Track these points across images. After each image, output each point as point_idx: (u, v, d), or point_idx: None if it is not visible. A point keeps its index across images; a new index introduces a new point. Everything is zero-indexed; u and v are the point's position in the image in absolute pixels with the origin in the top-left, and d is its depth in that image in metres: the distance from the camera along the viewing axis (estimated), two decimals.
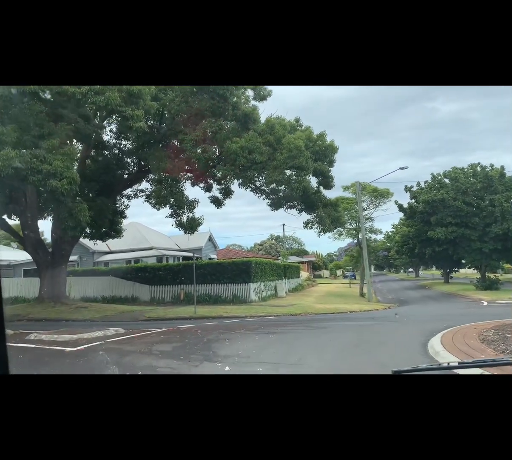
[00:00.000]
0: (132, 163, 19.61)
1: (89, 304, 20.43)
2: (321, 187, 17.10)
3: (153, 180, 15.81)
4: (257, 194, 17.66)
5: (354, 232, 31.82)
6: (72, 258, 30.46)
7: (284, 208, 17.46)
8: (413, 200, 33.49)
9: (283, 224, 63.49)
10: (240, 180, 16.76)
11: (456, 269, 50.89)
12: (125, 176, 19.71)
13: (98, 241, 27.21)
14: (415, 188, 33.30)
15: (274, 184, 15.98)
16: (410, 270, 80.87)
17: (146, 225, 36.58)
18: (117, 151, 19.52)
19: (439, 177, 32.33)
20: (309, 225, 17.94)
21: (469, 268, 36.56)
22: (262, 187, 17.28)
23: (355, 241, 47.53)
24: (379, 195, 30.33)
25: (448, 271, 48.65)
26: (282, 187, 16.03)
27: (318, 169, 15.66)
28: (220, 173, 16.63)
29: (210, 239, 37.56)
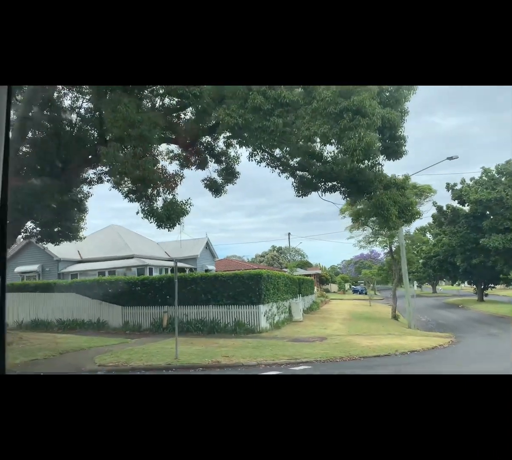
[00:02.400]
0: (91, 130, 13.33)
1: (23, 334, 13.94)
2: (383, 158, 10.75)
3: (111, 138, 9.60)
4: (277, 169, 11.38)
5: (386, 238, 25.41)
6: (32, 267, 24.03)
7: (320, 192, 11.12)
8: (456, 201, 27.19)
9: (289, 233, 57.27)
10: (251, 148, 10.52)
11: (492, 285, 44.32)
12: (84, 150, 13.37)
13: (66, 248, 20.96)
14: (459, 187, 27.05)
15: (316, 142, 9.68)
16: (426, 284, 74.35)
17: (128, 229, 30.19)
18: (73, 114, 13.31)
19: (490, 173, 26.08)
20: (363, 218, 11.61)
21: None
22: (286, 160, 11.03)
23: (366, 252, 41.04)
24: (419, 192, 24.03)
25: (482, 287, 42.11)
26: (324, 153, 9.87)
27: (386, 118, 9.21)
28: (219, 136, 10.41)
29: (208, 246, 31.08)
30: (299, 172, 11.31)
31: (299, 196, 11.33)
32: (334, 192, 11.03)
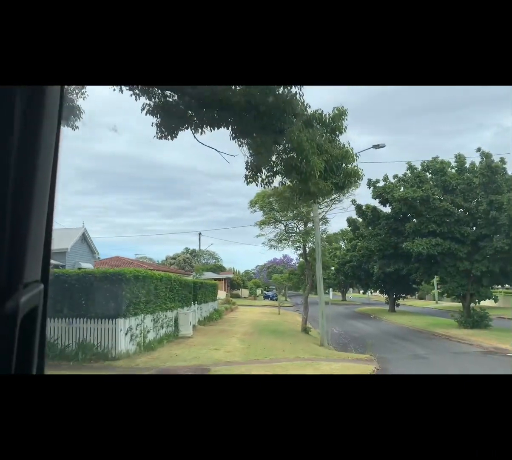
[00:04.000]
0: None
1: None
2: None
3: None
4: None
5: (300, 237, 21.49)
6: None
7: (193, 128, 6.31)
8: (377, 200, 24.20)
9: (200, 233, 51.74)
10: None
11: (404, 295, 43.05)
12: None
13: None
14: (382, 184, 24.10)
15: None
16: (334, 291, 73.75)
17: None
18: None
19: (416, 171, 23.39)
20: (267, 177, 7.03)
21: (448, 296, 27.97)
22: None
23: (279, 258, 37.77)
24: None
25: (394, 297, 40.53)
26: None
27: None
28: None
29: (85, 239, 24.92)
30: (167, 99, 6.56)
31: (162, 137, 6.65)
32: (219, 127, 6.41)
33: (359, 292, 73.27)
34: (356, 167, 8.70)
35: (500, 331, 21.61)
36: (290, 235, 21.60)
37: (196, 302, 21.46)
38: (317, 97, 25.38)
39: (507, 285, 28.18)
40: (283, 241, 22.04)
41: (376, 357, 14.78)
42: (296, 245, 22.81)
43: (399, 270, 33.52)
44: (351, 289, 71.79)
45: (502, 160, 21.71)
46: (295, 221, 21.00)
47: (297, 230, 21.34)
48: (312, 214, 19.13)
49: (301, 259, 22.69)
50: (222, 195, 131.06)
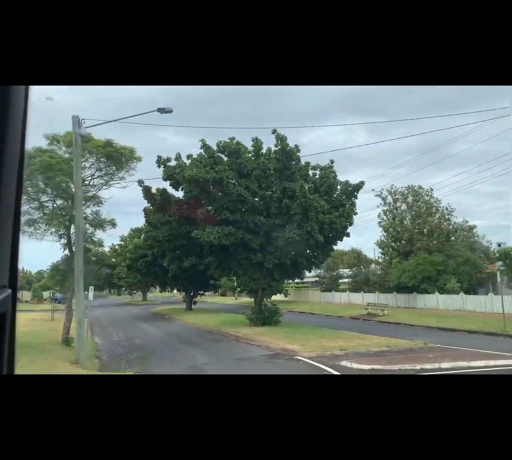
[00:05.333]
0: None
1: None
2: None
3: None
4: None
5: (62, 222, 16.29)
6: None
7: None
8: (168, 182, 20.67)
9: None
10: None
11: (202, 292, 40.82)
12: None
13: None
14: (174, 163, 20.63)
15: None
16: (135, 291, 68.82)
17: None
18: None
19: (210, 150, 20.62)
20: None
21: (241, 291, 26.04)
22: None
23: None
24: (116, 156, 16.09)
25: (192, 294, 37.93)
26: None
27: None
28: None
29: None
30: None
31: None
32: None
33: (160, 291, 69.84)
34: None
35: (289, 327, 20.46)
36: (46, 216, 16.12)
37: None
38: None
39: (300, 279, 28.17)
40: (38, 225, 16.40)
41: (141, 373, 11.00)
42: (61, 232, 17.43)
43: (196, 265, 30.85)
44: (152, 288, 67.64)
45: (297, 148, 20.65)
46: (50, 195, 15.64)
47: (54, 208, 16.03)
48: (72, 187, 14.26)
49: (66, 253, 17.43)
50: None
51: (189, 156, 21.16)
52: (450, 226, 35.45)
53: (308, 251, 21.58)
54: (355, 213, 21.31)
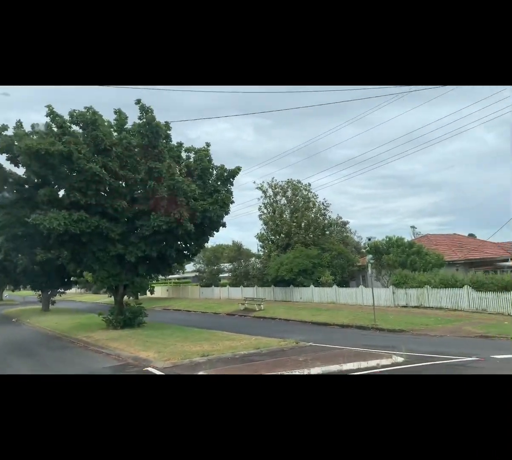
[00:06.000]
0: None
1: None
2: None
3: None
4: None
5: None
6: None
7: None
8: (5, 155, 16.62)
9: None
10: None
11: (62, 291, 35.78)
12: None
13: None
14: (11, 132, 16.60)
15: None
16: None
17: None
18: None
19: (59, 119, 16.98)
20: None
21: (99, 288, 22.51)
22: None
23: None
24: None
25: (50, 292, 32.96)
26: None
27: None
28: None
29: None
30: None
31: None
32: None
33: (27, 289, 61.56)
34: None
35: (153, 329, 17.93)
36: None
37: None
38: None
39: (171, 274, 25.61)
40: None
41: None
42: None
43: (53, 259, 26.60)
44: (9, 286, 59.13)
45: (167, 125, 18.14)
46: None
47: None
48: None
49: None
50: None
51: (33, 126, 17.28)
52: (326, 221, 36.03)
53: (179, 242, 19.26)
54: (232, 202, 19.55)
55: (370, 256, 23.63)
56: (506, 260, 28.39)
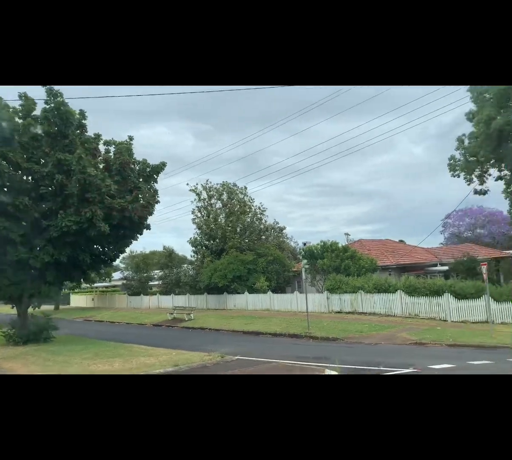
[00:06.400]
0: None
1: None
2: None
3: None
4: None
5: None
6: None
7: None
8: None
9: None
10: None
11: None
12: None
13: None
14: None
15: None
16: None
17: None
18: None
19: None
20: None
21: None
22: None
23: None
24: None
25: None
26: None
27: None
28: None
29: None
30: None
31: None
32: None
33: None
34: None
35: (61, 344, 15.64)
36: None
37: None
38: None
39: (86, 282, 23.14)
40: None
41: None
42: None
43: None
44: None
45: (82, 113, 16.16)
46: None
47: None
48: None
49: None
50: None
51: None
52: (262, 226, 35.11)
53: (95, 246, 17.18)
54: (157, 202, 17.83)
55: (305, 260, 22.84)
56: (435, 265, 28.93)
